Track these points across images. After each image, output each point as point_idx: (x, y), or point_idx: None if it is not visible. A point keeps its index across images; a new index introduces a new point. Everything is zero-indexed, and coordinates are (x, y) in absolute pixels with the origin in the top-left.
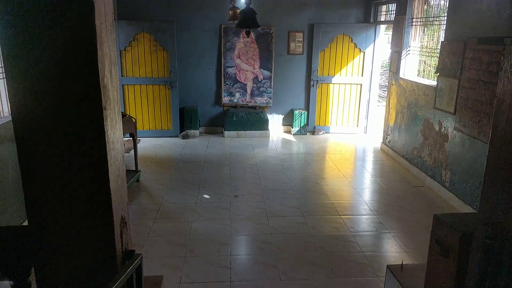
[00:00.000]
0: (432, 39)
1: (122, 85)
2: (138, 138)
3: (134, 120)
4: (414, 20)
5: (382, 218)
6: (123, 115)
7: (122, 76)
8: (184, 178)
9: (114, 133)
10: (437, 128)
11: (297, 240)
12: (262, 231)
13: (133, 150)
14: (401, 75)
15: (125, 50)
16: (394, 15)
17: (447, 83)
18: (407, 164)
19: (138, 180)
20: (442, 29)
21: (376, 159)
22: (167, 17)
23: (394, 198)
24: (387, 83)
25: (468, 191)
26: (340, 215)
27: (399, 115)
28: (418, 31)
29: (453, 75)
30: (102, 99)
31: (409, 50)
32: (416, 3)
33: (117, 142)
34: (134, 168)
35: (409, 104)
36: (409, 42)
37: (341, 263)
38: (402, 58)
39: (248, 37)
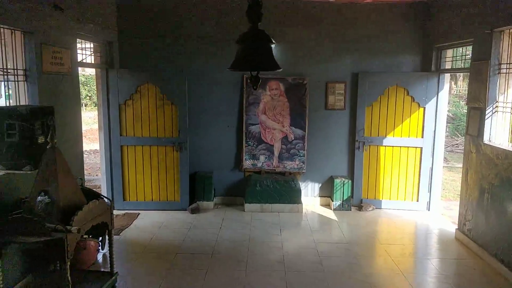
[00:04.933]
0: None
1: (121, 146)
2: (137, 212)
3: (109, 203)
4: (503, 66)
5: None
6: (95, 195)
7: (120, 135)
8: (179, 285)
9: None
10: None
11: None
12: None
13: (124, 230)
14: (486, 140)
15: (125, 104)
16: (470, 60)
17: None
18: (504, 270)
19: (114, 287)
20: None
21: (451, 255)
22: (177, 66)
23: None
24: (450, 143)
25: None
26: None
27: (486, 195)
28: (510, 80)
29: None
30: None
31: (496, 106)
32: (505, 44)
33: None
34: (109, 269)
35: (503, 182)
36: (497, 95)
37: None
38: (486, 117)
39: (255, 90)
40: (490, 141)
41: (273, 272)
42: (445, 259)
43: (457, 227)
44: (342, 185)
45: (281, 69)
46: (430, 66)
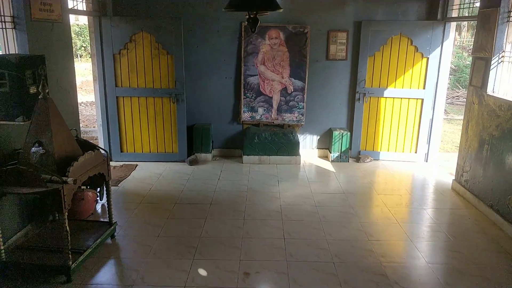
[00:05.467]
0: None
1: (117, 97)
2: (135, 163)
3: (105, 155)
4: None
5: None
6: (91, 147)
7: (116, 86)
8: (178, 233)
9: None
10: None
11: None
12: None
13: (123, 181)
14: (489, 92)
15: (119, 53)
16: (477, 8)
17: None
18: (499, 220)
19: (113, 236)
20: None
21: (447, 205)
22: (172, 13)
23: (491, 285)
24: (450, 95)
25: None
26: None
27: (486, 147)
28: None
29: None
30: None
31: (503, 56)
32: None
33: None
34: (107, 219)
35: (504, 134)
36: (504, 45)
37: None
38: (492, 67)
39: (254, 33)
40: (493, 92)
41: (270, 220)
42: (441, 209)
43: (454, 178)
44: (340, 137)
45: (281, 9)
46: (436, 15)
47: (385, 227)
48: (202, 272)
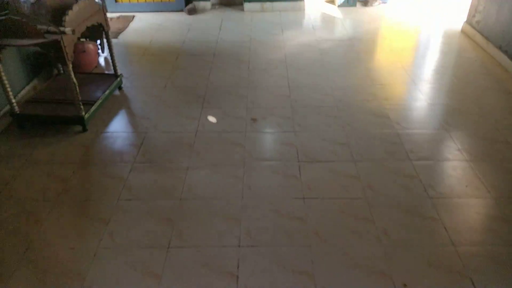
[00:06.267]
0: None
1: None
2: (132, 14)
3: (100, 2)
4: None
5: (474, 164)
6: None
7: None
8: (185, 83)
9: None
10: None
11: (346, 217)
12: (291, 193)
13: (121, 33)
14: None
15: None
16: None
17: None
18: (505, 61)
19: (120, 88)
20: None
21: (455, 48)
22: None
23: (493, 125)
24: None
25: None
26: (411, 159)
27: None
28: None
29: None
30: None
31: None
32: None
33: None
34: (113, 71)
35: None
36: None
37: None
38: None
39: None
40: None
41: (274, 68)
42: (448, 52)
43: (465, 20)
44: None
45: None
46: None
47: (389, 72)
48: (212, 119)
